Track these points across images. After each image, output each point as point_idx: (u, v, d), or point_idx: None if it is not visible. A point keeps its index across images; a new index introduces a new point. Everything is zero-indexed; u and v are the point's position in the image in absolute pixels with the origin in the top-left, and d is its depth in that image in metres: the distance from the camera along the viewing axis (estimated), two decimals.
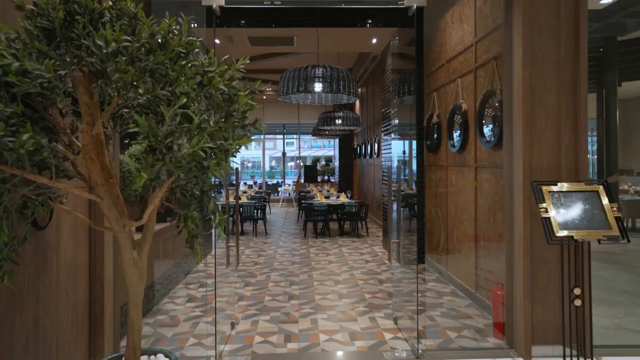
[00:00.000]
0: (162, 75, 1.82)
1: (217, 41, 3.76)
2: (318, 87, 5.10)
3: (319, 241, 8.84)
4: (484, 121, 4.48)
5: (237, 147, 2.17)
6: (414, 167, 6.39)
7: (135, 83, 1.77)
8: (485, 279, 4.58)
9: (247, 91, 2.40)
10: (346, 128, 10.27)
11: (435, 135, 6.08)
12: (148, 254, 2.35)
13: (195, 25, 2.35)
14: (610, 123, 8.26)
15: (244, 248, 8.22)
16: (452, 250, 5.62)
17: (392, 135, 7.27)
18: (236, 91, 2.39)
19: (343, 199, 9.81)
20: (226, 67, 2.15)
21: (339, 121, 9.56)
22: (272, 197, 18.15)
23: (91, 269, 3.13)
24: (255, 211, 9.70)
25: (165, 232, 5.27)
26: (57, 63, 1.68)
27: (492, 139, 4.30)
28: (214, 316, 3.66)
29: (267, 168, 42.70)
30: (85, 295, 3.07)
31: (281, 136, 19.55)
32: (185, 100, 1.77)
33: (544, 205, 3.10)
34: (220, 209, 1.92)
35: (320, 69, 4.97)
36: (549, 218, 3.06)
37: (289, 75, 5.07)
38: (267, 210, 14.14)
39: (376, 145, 10.91)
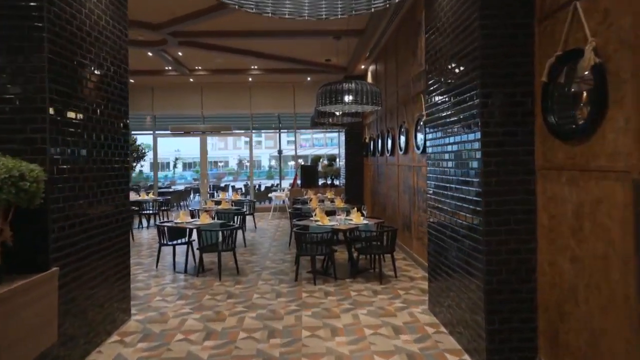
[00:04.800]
0: None
1: None
2: None
3: (318, 291, 5.39)
4: None
5: None
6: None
7: None
8: None
9: None
10: (359, 110, 6.76)
11: (584, 103, 2.66)
12: None
13: None
14: None
15: (191, 310, 4.78)
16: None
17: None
18: None
19: (356, 219, 6.31)
20: None
21: (348, 97, 5.99)
22: (263, 204, 14.69)
23: None
24: (221, 237, 6.25)
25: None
26: None
27: None
28: None
29: (266, 168, 39.53)
30: None
31: (282, 132, 16.00)
32: None
33: None
34: None
35: None
36: None
37: None
38: (253, 224, 10.66)
39: (402, 137, 7.44)
